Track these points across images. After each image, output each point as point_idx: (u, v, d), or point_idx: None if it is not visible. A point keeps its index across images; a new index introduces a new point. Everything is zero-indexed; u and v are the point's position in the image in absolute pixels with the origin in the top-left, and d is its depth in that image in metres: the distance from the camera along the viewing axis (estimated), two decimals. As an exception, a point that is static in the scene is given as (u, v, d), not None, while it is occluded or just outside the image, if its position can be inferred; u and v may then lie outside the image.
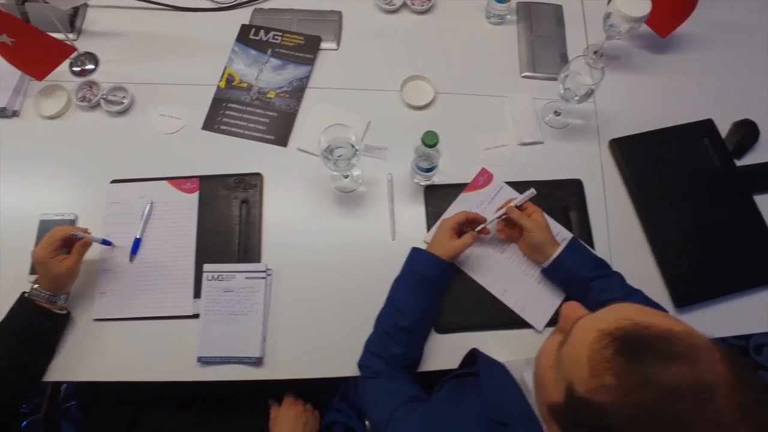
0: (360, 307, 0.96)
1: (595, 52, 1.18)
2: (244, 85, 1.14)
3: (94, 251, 0.99)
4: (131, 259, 1.01)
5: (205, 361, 0.94)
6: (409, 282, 0.92)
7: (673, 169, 1.07)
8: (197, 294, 0.98)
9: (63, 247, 0.91)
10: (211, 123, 1.11)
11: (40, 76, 1.07)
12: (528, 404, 0.66)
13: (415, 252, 0.96)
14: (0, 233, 1.02)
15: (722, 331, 0.99)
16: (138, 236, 1.02)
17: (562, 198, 1.06)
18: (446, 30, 1.22)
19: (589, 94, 1.01)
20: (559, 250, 0.93)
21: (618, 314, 0.49)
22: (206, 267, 0.98)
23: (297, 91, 1.13)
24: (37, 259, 0.88)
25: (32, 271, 0.99)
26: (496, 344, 0.95)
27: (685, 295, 0.99)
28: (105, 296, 0.98)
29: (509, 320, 0.97)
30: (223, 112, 1.12)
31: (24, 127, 1.11)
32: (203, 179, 1.05)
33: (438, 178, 1.06)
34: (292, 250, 1.01)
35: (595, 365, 0.47)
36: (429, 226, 1.03)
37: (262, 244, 1.01)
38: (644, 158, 1.08)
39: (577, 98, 1.02)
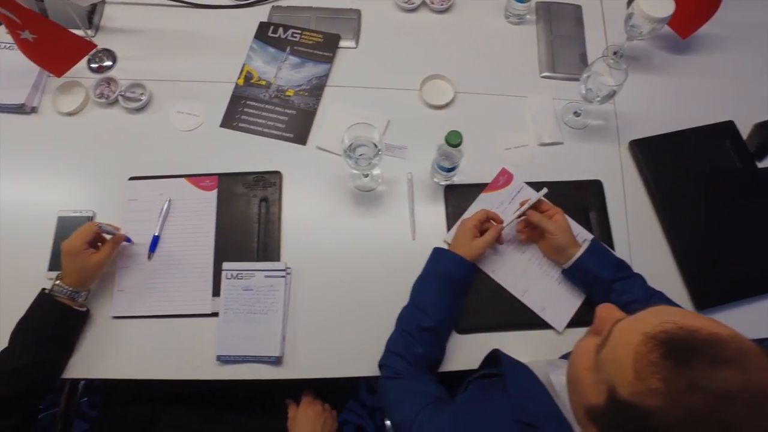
0: (379, 306, 0.95)
1: (615, 53, 1.18)
2: (263, 82, 1.13)
3: (112, 248, 0.99)
4: (149, 256, 1.00)
5: (224, 360, 0.94)
6: (432, 282, 0.92)
7: (693, 170, 1.07)
8: (216, 292, 0.97)
9: (94, 242, 0.92)
10: (230, 120, 1.11)
11: (59, 72, 1.06)
12: (556, 406, 0.66)
13: (438, 252, 0.95)
14: (18, 230, 1.02)
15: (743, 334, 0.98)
16: (156, 234, 1.01)
17: (582, 199, 1.06)
18: (465, 29, 1.21)
19: (612, 95, 1.00)
20: (581, 251, 0.92)
21: (661, 317, 0.49)
22: (225, 265, 0.98)
23: (316, 89, 1.13)
24: (69, 250, 0.88)
25: (51, 268, 0.99)
26: (516, 345, 0.94)
27: (706, 297, 0.99)
28: (123, 293, 0.98)
29: (529, 321, 0.97)
30: (242, 109, 1.11)
31: (42, 123, 1.11)
32: (222, 177, 1.05)
33: (458, 178, 1.06)
34: (312, 249, 1.01)
35: (641, 369, 0.46)
36: (449, 226, 1.03)
37: (281, 243, 1.01)
38: (665, 160, 1.07)
39: (598, 99, 1.02)
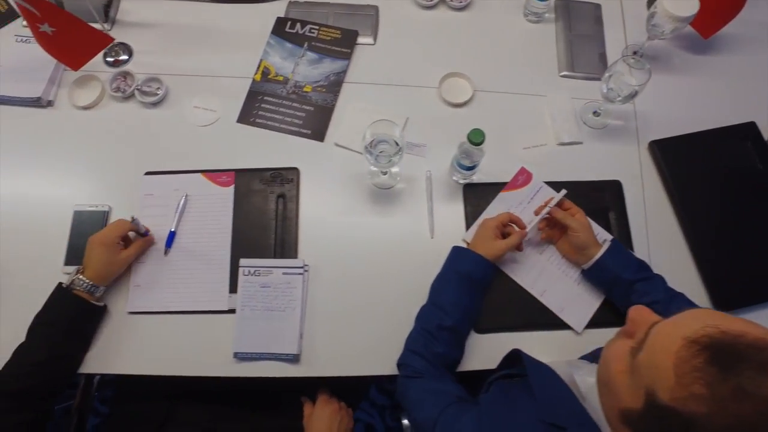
0: (398, 304, 0.95)
1: (635, 53, 1.17)
2: (280, 78, 1.13)
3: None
4: (166, 252, 1.00)
5: (241, 357, 0.93)
6: (452, 281, 0.91)
7: (714, 171, 1.06)
8: (233, 289, 0.97)
9: (124, 239, 0.94)
10: (247, 116, 1.10)
11: (76, 66, 1.06)
12: (582, 407, 0.65)
13: (458, 251, 0.95)
14: (34, 223, 1.01)
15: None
16: (173, 229, 1.01)
17: (601, 199, 1.05)
18: (484, 27, 1.20)
19: (633, 94, 0.99)
20: (602, 251, 0.92)
21: (702, 321, 0.48)
22: (243, 262, 0.97)
23: (334, 85, 1.12)
24: (103, 241, 0.89)
25: (67, 262, 0.98)
26: (534, 345, 0.92)
27: (727, 300, 0.98)
28: (139, 289, 0.98)
29: (548, 321, 0.96)
30: (259, 105, 1.10)
31: (58, 117, 1.10)
32: (239, 173, 1.04)
33: (476, 177, 1.05)
34: (330, 246, 1.00)
35: (683, 374, 0.46)
36: (468, 225, 1.02)
37: (299, 240, 1.00)
38: (685, 160, 1.06)
39: (620, 99, 1.01)
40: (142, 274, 0.98)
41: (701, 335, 0.47)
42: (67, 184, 1.05)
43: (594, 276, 0.95)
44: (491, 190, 1.04)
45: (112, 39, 1.05)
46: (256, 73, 1.13)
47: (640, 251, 1.01)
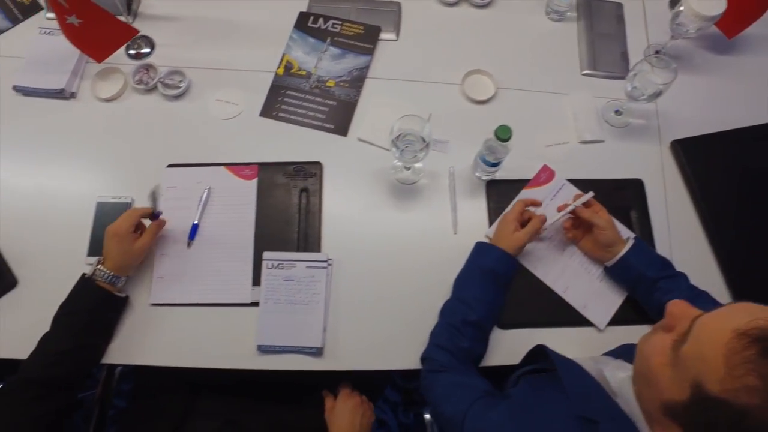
0: (421, 299, 0.95)
1: (657, 52, 1.17)
2: (303, 72, 1.13)
3: (152, 235, 0.99)
4: (189, 244, 1.00)
5: (264, 350, 0.93)
6: (476, 277, 0.91)
7: (737, 171, 1.06)
8: (256, 282, 0.97)
9: (137, 227, 0.93)
10: (269, 110, 1.10)
11: (100, 58, 1.06)
12: (614, 401, 0.65)
13: (481, 247, 0.95)
14: (58, 215, 1.02)
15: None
16: (196, 221, 1.01)
17: (623, 198, 1.05)
18: (506, 25, 1.20)
19: (658, 93, 0.99)
20: (627, 248, 0.92)
21: (751, 313, 0.48)
22: (266, 255, 0.97)
23: (357, 80, 1.12)
24: (117, 232, 0.89)
25: (90, 253, 0.99)
26: (556, 341, 0.92)
27: (748, 299, 0.97)
28: (162, 281, 0.98)
29: (570, 318, 0.97)
30: (282, 99, 1.11)
31: (81, 108, 1.11)
32: (262, 166, 1.05)
33: (499, 174, 1.05)
34: (353, 241, 1.00)
35: (734, 366, 0.46)
36: (491, 222, 1.02)
37: (322, 234, 1.00)
38: (707, 160, 1.06)
39: (644, 97, 1.01)
40: (165, 266, 0.99)
41: (752, 327, 0.47)
42: (89, 176, 1.05)
43: (617, 273, 0.95)
44: (514, 186, 1.05)
45: (137, 31, 1.06)
46: (278, 68, 1.13)
47: (661, 250, 1.01)
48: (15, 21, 1.17)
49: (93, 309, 0.89)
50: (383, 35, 1.17)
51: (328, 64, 1.14)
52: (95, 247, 0.98)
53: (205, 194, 1.02)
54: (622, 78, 1.14)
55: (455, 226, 1.02)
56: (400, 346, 0.93)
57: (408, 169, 1.03)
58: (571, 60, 1.18)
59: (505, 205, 1.03)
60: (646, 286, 0.91)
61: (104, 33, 1.02)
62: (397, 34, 1.18)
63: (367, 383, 1.05)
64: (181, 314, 0.96)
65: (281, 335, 0.93)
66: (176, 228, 1.00)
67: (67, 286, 0.90)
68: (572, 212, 0.96)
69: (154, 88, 1.12)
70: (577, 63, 1.17)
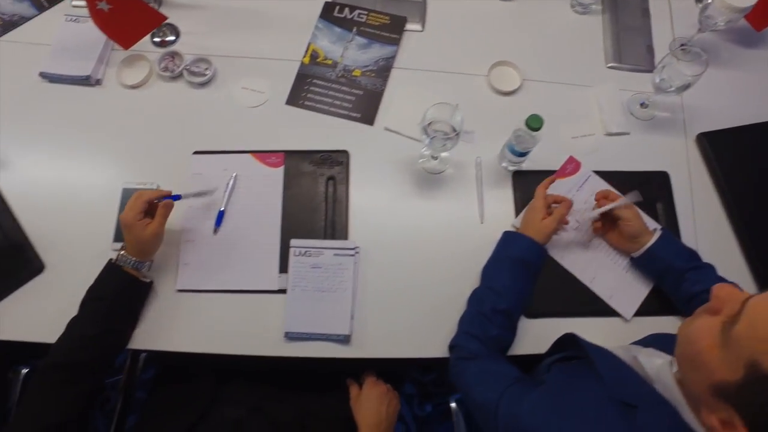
0: (448, 288, 0.95)
1: (683, 45, 1.17)
2: (329, 62, 1.13)
3: (177, 221, 0.99)
4: (215, 231, 1.00)
5: (292, 337, 0.93)
6: (505, 265, 0.91)
7: (763, 164, 1.06)
8: (283, 269, 0.97)
9: (147, 211, 0.90)
10: (296, 98, 1.10)
11: (127, 44, 1.06)
12: (651, 385, 0.65)
13: (509, 236, 0.95)
14: (84, 201, 1.02)
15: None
16: (222, 208, 1.01)
17: (649, 190, 1.05)
18: (531, 17, 1.20)
19: (687, 86, 0.99)
20: (654, 238, 0.92)
21: None
22: (293, 242, 0.97)
23: (383, 70, 1.12)
24: (124, 221, 0.88)
25: (116, 239, 0.99)
26: (583, 331, 0.91)
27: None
28: (188, 267, 0.98)
29: (597, 308, 0.97)
30: (308, 87, 1.11)
31: (107, 95, 1.11)
32: (288, 154, 1.04)
33: (525, 164, 1.05)
34: (379, 229, 1.00)
35: None
36: (517, 212, 1.02)
37: (348, 222, 1.00)
38: (735, 153, 1.06)
39: (672, 89, 1.01)
40: (192, 252, 0.99)
41: None
42: (115, 162, 1.05)
43: (645, 264, 0.95)
44: (540, 177, 1.03)
45: (166, 17, 1.05)
46: (304, 56, 1.13)
47: (687, 242, 1.01)
48: (41, 8, 1.17)
49: (117, 293, 0.89)
50: (409, 26, 1.17)
51: (354, 53, 1.13)
52: (121, 234, 0.98)
53: (232, 181, 1.02)
54: (648, 71, 1.14)
55: (482, 216, 1.02)
56: (426, 334, 0.93)
57: (435, 158, 1.03)
58: (596, 52, 1.17)
59: (531, 195, 1.02)
60: (674, 277, 0.91)
61: (133, 19, 1.02)
62: (423, 25, 1.18)
63: (389, 373, 1.05)
64: (207, 301, 0.96)
65: (309, 322, 0.93)
66: (202, 215, 1.00)
67: (94, 271, 0.90)
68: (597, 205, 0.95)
69: (179, 76, 1.12)
70: (602, 55, 1.17)
